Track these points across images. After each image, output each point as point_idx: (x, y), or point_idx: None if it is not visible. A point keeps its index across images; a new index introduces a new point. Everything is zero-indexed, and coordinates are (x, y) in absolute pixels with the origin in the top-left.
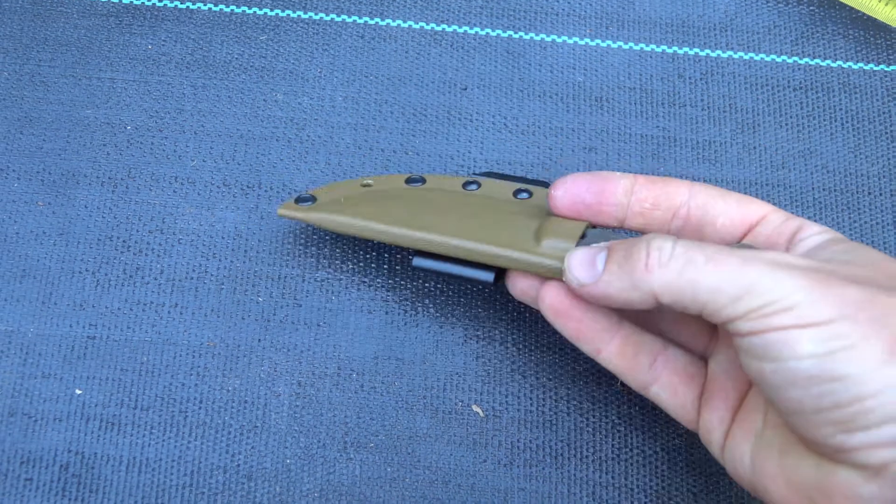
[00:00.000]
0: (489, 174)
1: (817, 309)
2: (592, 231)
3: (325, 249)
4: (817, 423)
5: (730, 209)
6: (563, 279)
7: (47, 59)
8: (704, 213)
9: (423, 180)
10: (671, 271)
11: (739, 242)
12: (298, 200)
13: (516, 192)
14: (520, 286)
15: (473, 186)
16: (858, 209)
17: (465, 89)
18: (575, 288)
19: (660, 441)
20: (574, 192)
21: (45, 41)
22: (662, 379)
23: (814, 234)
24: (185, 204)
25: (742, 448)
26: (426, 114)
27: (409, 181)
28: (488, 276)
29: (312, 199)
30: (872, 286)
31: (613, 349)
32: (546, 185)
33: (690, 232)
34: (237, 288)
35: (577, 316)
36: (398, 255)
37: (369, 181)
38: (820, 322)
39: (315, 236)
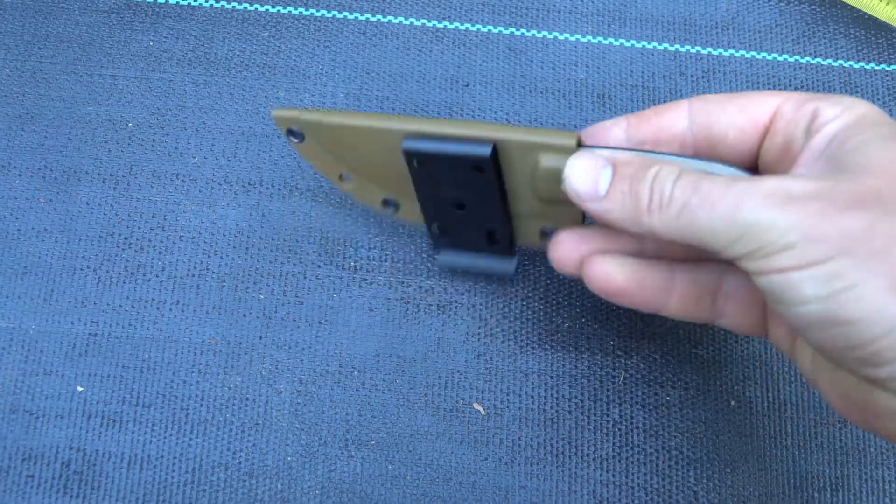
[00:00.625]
0: None
1: (815, 247)
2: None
3: (327, 246)
4: (843, 359)
5: (735, 119)
6: (562, 187)
7: (49, 55)
8: (711, 133)
9: None
10: (669, 214)
11: (751, 167)
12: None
13: None
14: (561, 251)
15: None
16: None
17: (467, 86)
18: (572, 198)
19: (661, 439)
20: None
21: (47, 38)
22: (727, 312)
23: (830, 119)
24: (187, 201)
25: (805, 357)
26: (428, 110)
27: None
28: (485, 150)
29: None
30: (877, 209)
31: (674, 303)
32: None
33: (707, 156)
34: (238, 285)
35: (631, 291)
36: (399, 254)
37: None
38: (818, 261)
39: (317, 233)
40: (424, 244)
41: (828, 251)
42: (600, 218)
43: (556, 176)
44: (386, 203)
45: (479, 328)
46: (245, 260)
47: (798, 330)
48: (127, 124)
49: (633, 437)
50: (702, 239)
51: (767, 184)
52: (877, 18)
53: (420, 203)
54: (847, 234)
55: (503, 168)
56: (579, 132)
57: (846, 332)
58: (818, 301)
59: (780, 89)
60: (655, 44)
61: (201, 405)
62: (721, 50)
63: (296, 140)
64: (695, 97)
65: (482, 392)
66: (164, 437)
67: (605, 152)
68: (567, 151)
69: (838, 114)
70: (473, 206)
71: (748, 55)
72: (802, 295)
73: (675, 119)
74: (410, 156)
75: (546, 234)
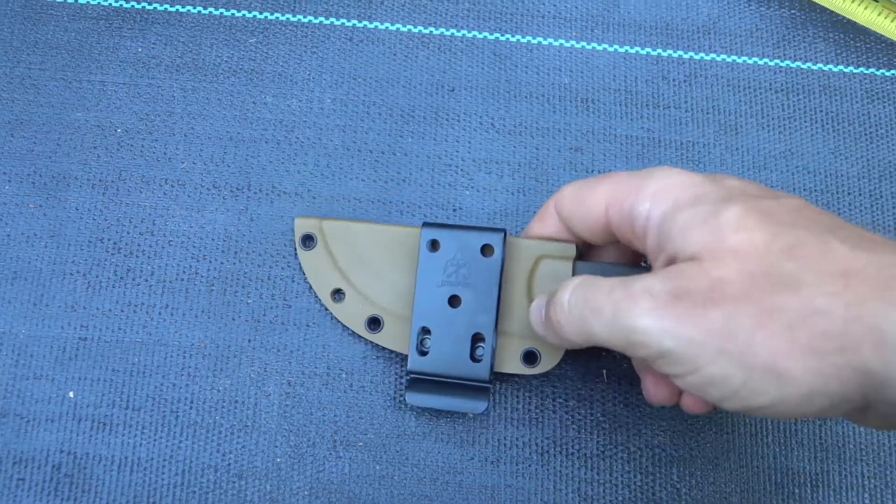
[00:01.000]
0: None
1: (693, 354)
2: (581, 264)
3: None
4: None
5: (582, 224)
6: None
7: (38, 62)
8: (574, 232)
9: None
10: (573, 325)
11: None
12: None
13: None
14: (655, 394)
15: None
16: (838, 209)
17: (453, 91)
18: (533, 330)
19: (644, 437)
20: None
21: (36, 44)
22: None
23: (644, 218)
24: (176, 206)
25: None
26: (414, 115)
27: None
28: (498, 235)
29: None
30: (727, 303)
31: None
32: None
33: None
34: (227, 289)
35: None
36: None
37: None
38: (702, 366)
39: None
40: None
41: (705, 356)
42: (554, 340)
43: (551, 278)
44: (372, 322)
45: None
46: (233, 264)
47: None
48: (116, 130)
49: (616, 435)
50: (608, 346)
51: (636, 286)
52: (855, 22)
53: (415, 303)
54: (712, 334)
55: (505, 264)
56: (577, 245)
57: (775, 413)
58: (729, 400)
59: (761, 92)
60: (638, 48)
61: (191, 408)
62: (703, 54)
63: (305, 248)
64: (557, 193)
65: None
66: (154, 440)
67: (547, 293)
68: (567, 257)
69: (648, 209)
70: (469, 300)
71: (729, 59)
72: (712, 396)
73: (551, 223)
74: (428, 237)
75: (528, 357)
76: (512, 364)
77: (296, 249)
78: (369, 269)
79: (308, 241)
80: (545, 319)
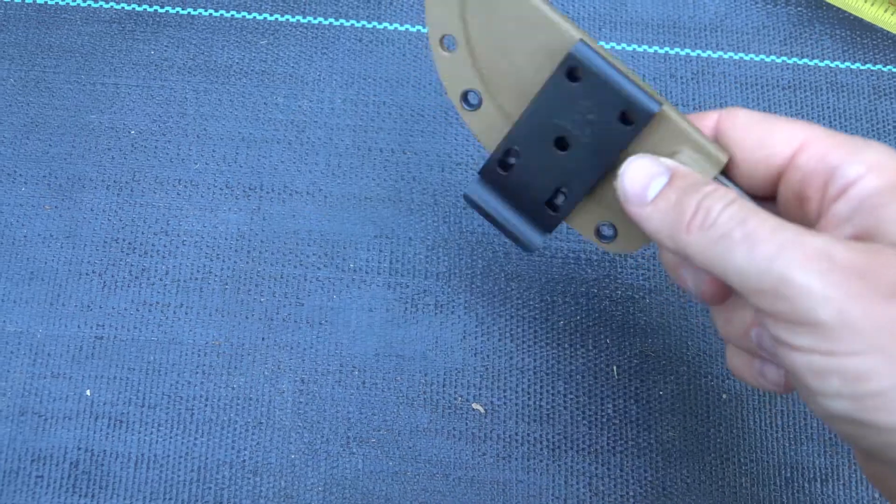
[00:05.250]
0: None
1: (845, 334)
2: (724, 181)
3: (327, 248)
4: (871, 452)
5: (751, 154)
6: (614, 183)
7: (52, 65)
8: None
9: None
10: (708, 238)
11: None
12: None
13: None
14: (735, 364)
15: None
16: None
17: None
18: (620, 196)
19: (654, 433)
20: None
21: (50, 48)
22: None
23: (851, 181)
24: (189, 206)
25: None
26: (424, 114)
27: None
28: (654, 106)
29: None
30: None
31: None
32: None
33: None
34: (241, 288)
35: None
36: (398, 255)
37: None
38: (846, 352)
39: (317, 236)
40: (422, 245)
41: (858, 344)
42: (640, 224)
43: None
44: (466, 96)
45: (476, 327)
46: (247, 263)
47: (820, 417)
48: (129, 132)
49: (627, 430)
50: (730, 276)
51: (814, 242)
52: (862, 19)
53: (518, 121)
54: (882, 329)
55: (640, 135)
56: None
57: (873, 435)
58: (843, 398)
59: (769, 89)
60: (645, 46)
61: (206, 405)
62: (710, 52)
63: None
64: (728, 111)
65: (479, 389)
66: (170, 437)
67: (669, 162)
68: (714, 163)
69: (861, 174)
70: (577, 153)
71: (736, 56)
72: (827, 386)
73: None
74: (572, 62)
75: (599, 230)
76: (586, 228)
77: None
78: (497, 32)
79: None
80: (667, 206)
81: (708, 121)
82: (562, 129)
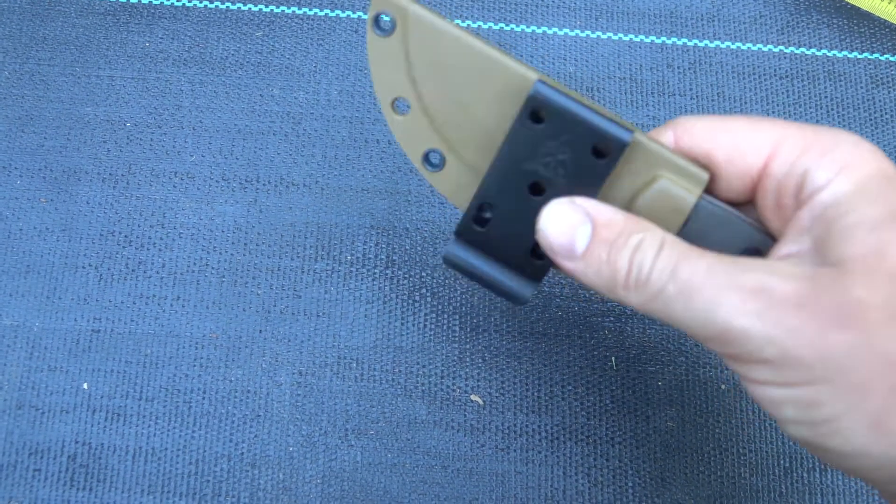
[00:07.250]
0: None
1: (792, 369)
2: (707, 200)
3: (324, 241)
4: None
5: (727, 155)
6: (536, 235)
7: (47, 57)
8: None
9: None
10: (645, 296)
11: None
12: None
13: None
14: None
15: None
16: None
17: None
18: (544, 248)
19: (652, 424)
20: None
21: (45, 40)
22: None
23: (820, 187)
24: (185, 199)
25: None
26: None
27: None
28: (625, 136)
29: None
30: (859, 330)
31: None
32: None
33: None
34: (238, 280)
35: None
36: (395, 247)
37: None
38: (796, 382)
39: (314, 228)
40: (419, 237)
41: (805, 376)
42: (574, 277)
43: (662, 205)
44: (427, 157)
45: (474, 318)
46: (244, 255)
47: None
48: (125, 124)
49: (625, 421)
50: (677, 326)
51: (750, 279)
52: (859, 8)
53: (487, 174)
54: (826, 360)
55: (615, 167)
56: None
57: (834, 459)
58: (801, 424)
59: (766, 78)
60: (643, 36)
61: (203, 398)
62: (707, 41)
63: (379, 33)
64: (677, 123)
65: (477, 381)
66: (168, 430)
67: (587, 203)
68: (696, 182)
69: (831, 178)
70: (554, 195)
71: (734, 46)
72: (783, 415)
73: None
74: (534, 104)
75: None
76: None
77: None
78: (448, 88)
79: (380, 25)
80: (591, 260)
81: (664, 138)
82: (534, 174)
